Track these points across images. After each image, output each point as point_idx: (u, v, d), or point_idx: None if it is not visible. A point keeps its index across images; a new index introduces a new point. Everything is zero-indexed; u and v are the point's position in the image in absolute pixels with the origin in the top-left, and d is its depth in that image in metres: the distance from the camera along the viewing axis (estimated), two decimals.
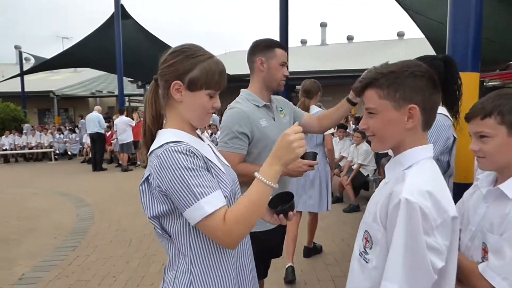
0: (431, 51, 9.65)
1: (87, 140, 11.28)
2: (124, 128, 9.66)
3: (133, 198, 6.51)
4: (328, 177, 3.70)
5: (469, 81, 1.97)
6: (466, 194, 1.31)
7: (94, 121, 9.81)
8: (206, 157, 1.11)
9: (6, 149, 12.94)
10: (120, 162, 10.18)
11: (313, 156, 1.87)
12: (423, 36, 8.63)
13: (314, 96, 3.67)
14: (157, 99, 1.18)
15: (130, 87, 17.31)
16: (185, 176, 1.00)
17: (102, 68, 16.20)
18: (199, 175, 1.02)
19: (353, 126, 8.81)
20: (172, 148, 1.03)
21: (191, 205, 1.00)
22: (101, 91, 21.34)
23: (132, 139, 9.88)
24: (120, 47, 10.81)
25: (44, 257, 3.92)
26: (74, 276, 3.41)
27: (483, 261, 1.09)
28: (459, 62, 2.01)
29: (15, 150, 13.07)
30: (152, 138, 1.16)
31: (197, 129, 1.24)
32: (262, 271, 1.98)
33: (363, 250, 1.03)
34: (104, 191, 7.26)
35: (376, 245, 0.97)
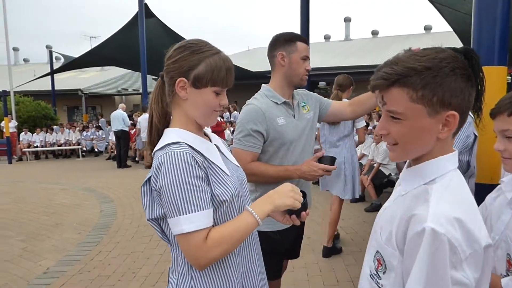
0: (459, 45, 9.25)
1: (112, 138, 11.56)
2: (147, 126, 9.82)
3: None
4: (355, 167, 3.76)
5: (496, 76, 1.86)
6: (489, 197, 1.19)
7: (118, 118, 10.04)
8: (209, 159, 1.09)
9: (37, 146, 13.47)
10: (143, 159, 10.38)
11: (331, 160, 1.78)
12: (450, 29, 8.30)
13: (346, 90, 3.88)
14: (163, 96, 1.16)
15: (154, 85, 17.61)
16: (176, 187, 0.98)
17: (127, 66, 16.57)
18: (191, 189, 1.00)
19: (376, 123, 8.60)
20: (172, 153, 1.01)
21: (172, 217, 1.01)
22: (127, 89, 21.85)
23: None
24: (144, 45, 11.00)
25: (68, 252, 4.05)
26: (95, 272, 3.49)
27: (507, 275, 0.98)
28: (484, 55, 1.90)
29: (46, 147, 13.58)
30: (159, 136, 1.14)
31: (203, 128, 1.21)
32: (274, 272, 1.93)
33: (375, 272, 0.89)
34: (128, 187, 7.42)
35: (391, 272, 0.84)
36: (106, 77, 21.39)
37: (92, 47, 13.77)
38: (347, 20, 22.94)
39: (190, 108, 1.12)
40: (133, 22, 11.27)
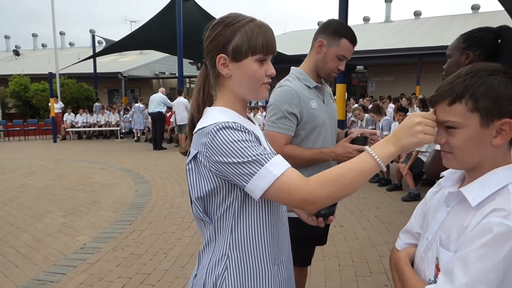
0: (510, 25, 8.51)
1: (149, 120, 11.85)
2: (182, 109, 9.97)
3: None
4: None
5: None
6: (430, 192, 1.05)
7: (157, 101, 10.26)
8: (258, 137, 1.02)
9: (79, 127, 14.10)
10: (179, 142, 10.57)
11: (364, 140, 1.71)
12: (501, 8, 7.60)
13: None
14: (207, 84, 1.10)
15: (190, 69, 17.83)
16: (242, 147, 0.92)
17: (164, 50, 16.80)
18: (256, 146, 0.94)
19: (417, 110, 8.15)
20: (223, 124, 0.95)
21: (254, 174, 0.91)
22: (164, 73, 22.28)
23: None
24: (180, 29, 11.05)
25: (104, 229, 4.19)
26: (128, 250, 3.59)
27: (435, 281, 0.86)
28: None
29: (87, 127, 14.20)
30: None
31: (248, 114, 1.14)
32: (304, 258, 1.90)
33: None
34: (162, 169, 7.58)
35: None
36: (144, 61, 21.88)
37: (132, 30, 14.07)
38: (388, 0, 21.83)
39: (236, 85, 1.05)
40: (171, 6, 11.32)
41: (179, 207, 4.98)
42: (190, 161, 1.00)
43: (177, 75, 20.67)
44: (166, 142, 11.42)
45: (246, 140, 0.93)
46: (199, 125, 1.03)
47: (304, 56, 1.88)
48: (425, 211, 1.03)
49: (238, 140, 0.92)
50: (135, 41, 13.70)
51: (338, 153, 1.71)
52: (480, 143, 0.84)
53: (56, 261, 3.39)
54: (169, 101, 10.69)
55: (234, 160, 0.91)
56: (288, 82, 1.76)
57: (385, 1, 21.89)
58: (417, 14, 21.21)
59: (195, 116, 1.09)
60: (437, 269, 0.86)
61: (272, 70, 1.04)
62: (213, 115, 1.02)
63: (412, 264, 0.99)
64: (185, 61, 13.07)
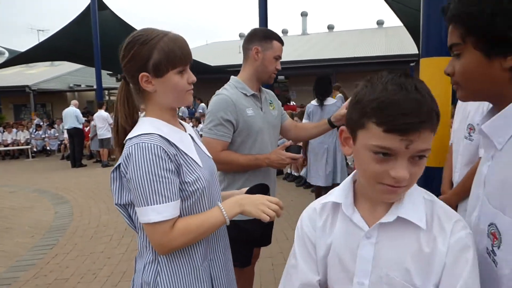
0: (409, 39, 9.77)
1: (66, 136, 10.98)
2: (103, 123, 9.46)
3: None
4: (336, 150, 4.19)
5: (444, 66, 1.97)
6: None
7: (71, 116, 9.56)
8: (182, 150, 1.09)
9: None
10: (99, 158, 9.97)
11: (297, 149, 1.87)
12: (401, 24, 8.69)
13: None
14: (130, 96, 1.15)
15: (109, 81, 16.92)
16: (145, 178, 1.00)
17: (79, 61, 15.77)
18: (159, 181, 1.01)
19: None
20: (142, 144, 1.01)
21: (140, 207, 1.03)
22: (79, 85, 20.82)
23: (110, 135, 9.69)
24: (97, 39, 10.53)
25: (21, 256, 3.81)
26: (52, 275, 3.32)
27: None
28: (434, 46, 2.02)
29: None
30: (125, 136, 1.11)
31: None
32: (244, 260, 1.96)
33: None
34: (84, 187, 7.10)
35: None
36: (56, 73, 20.19)
37: (40, 40, 12.96)
38: (304, 14, 23.35)
39: (162, 98, 1.11)
40: (86, 14, 10.74)
41: (106, 225, 4.73)
42: (115, 169, 1.07)
43: (94, 87, 19.54)
44: (85, 159, 10.68)
45: (153, 174, 1.00)
46: (129, 135, 1.09)
47: (228, 66, 1.99)
48: None
49: (147, 171, 1.00)
50: (47, 51, 12.66)
51: (272, 160, 1.82)
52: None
53: None
54: (81, 115, 9.95)
55: (134, 185, 1.01)
56: (225, 91, 1.84)
57: (301, 15, 23.35)
58: (330, 27, 22.98)
59: (127, 128, 1.13)
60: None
61: (192, 78, 1.13)
62: (142, 126, 1.09)
63: None
64: (103, 73, 12.42)
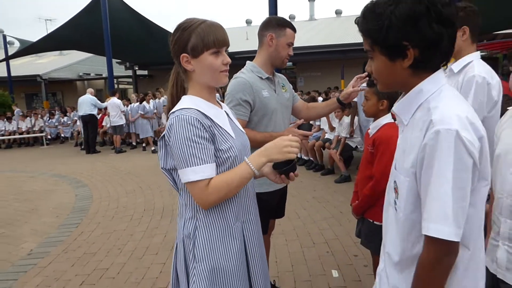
0: None
1: (79, 124, 11.22)
2: (116, 110, 9.68)
3: (129, 178, 6.65)
4: None
5: None
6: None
7: (87, 103, 9.78)
8: (217, 123, 1.27)
9: None
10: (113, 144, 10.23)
11: (309, 127, 2.08)
12: None
13: None
14: (179, 79, 1.36)
15: (118, 69, 17.10)
16: (185, 144, 1.19)
17: (89, 50, 15.95)
18: (195, 146, 1.20)
19: None
20: (182, 116, 1.20)
21: (181, 169, 1.22)
22: (89, 74, 21.04)
23: (124, 122, 9.91)
24: (107, 27, 10.65)
25: (50, 234, 4.07)
26: (80, 250, 3.57)
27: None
28: None
29: (6, 136, 12.97)
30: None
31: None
32: (263, 227, 2.16)
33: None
34: (100, 172, 7.36)
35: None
36: (66, 62, 20.43)
37: (48, 30, 13.16)
38: None
39: (199, 76, 1.30)
40: (94, 3, 10.84)
41: (126, 206, 4.98)
42: (161, 138, 1.28)
43: (103, 76, 19.71)
44: (99, 145, 10.94)
45: (191, 140, 1.18)
46: (173, 109, 1.28)
47: (236, 53, 2.14)
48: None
49: (186, 138, 1.18)
50: (57, 40, 12.84)
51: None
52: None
53: (3, 269, 3.26)
54: (99, 102, 10.26)
55: (176, 151, 1.20)
56: (242, 74, 2.02)
57: (309, 0, 23.13)
58: (338, 12, 22.76)
59: (171, 108, 1.33)
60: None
61: (227, 59, 1.29)
62: (183, 102, 1.28)
63: None
64: (113, 61, 12.57)
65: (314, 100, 7.23)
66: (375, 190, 2.02)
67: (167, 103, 1.40)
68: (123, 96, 18.30)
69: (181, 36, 1.25)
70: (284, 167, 1.33)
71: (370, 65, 1.03)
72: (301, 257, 3.22)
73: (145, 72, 19.22)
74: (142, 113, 9.87)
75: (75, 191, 5.94)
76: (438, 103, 0.91)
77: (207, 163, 1.21)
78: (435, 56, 0.93)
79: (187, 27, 1.25)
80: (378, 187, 2.00)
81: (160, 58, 15.57)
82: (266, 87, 2.06)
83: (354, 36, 17.32)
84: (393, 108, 1.04)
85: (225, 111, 1.39)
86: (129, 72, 18.47)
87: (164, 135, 1.26)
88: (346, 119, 6.09)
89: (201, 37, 1.23)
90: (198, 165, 1.19)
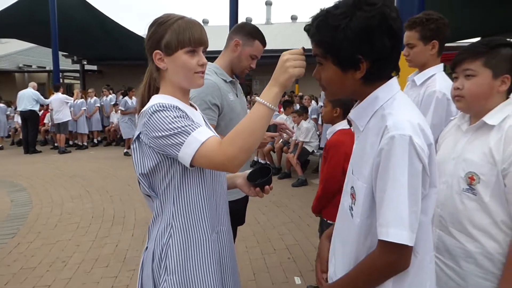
0: None
1: (18, 120, 10.28)
2: (60, 106, 8.99)
3: (75, 181, 6.17)
4: None
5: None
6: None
7: (28, 98, 8.95)
8: (193, 120, 1.13)
9: None
10: (56, 143, 9.50)
11: (274, 128, 1.98)
12: None
13: None
14: (153, 79, 1.24)
15: (64, 62, 15.98)
16: (173, 121, 1.05)
17: (32, 39, 14.73)
18: (185, 120, 1.08)
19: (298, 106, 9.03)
20: (159, 105, 1.09)
21: (183, 142, 1.04)
22: (30, 66, 19.46)
23: (70, 118, 9.24)
24: (55, 16, 9.88)
25: None
26: (17, 265, 3.18)
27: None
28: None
29: None
30: None
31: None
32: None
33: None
34: (41, 174, 6.75)
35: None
36: (4, 51, 18.73)
37: None
38: (268, 3, 23.35)
39: (172, 76, 1.18)
40: None
41: (71, 212, 4.58)
42: (135, 141, 1.14)
43: (47, 69, 18.32)
44: (39, 145, 10.10)
45: (176, 116, 1.06)
46: (142, 110, 1.15)
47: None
48: None
49: (169, 116, 1.06)
50: None
51: None
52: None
53: None
54: (42, 97, 9.46)
55: (167, 133, 1.05)
56: (208, 76, 1.88)
57: (266, 4, 23.33)
58: (294, 18, 23.19)
59: (141, 109, 1.19)
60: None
61: (203, 60, 1.17)
62: (154, 100, 1.15)
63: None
64: (60, 54, 11.70)
65: None
66: (325, 190, 2.27)
67: (136, 104, 1.26)
68: (68, 91, 17.19)
69: (156, 32, 1.16)
70: (260, 179, 1.23)
71: (319, 71, 1.01)
72: (263, 265, 3.14)
73: (94, 67, 18.19)
74: (123, 109, 8.87)
75: (10, 196, 5.36)
76: (392, 109, 0.94)
77: (200, 127, 1.08)
78: (385, 68, 0.97)
79: (163, 22, 1.15)
80: (328, 187, 2.25)
81: (112, 53, 14.98)
82: (231, 91, 1.97)
83: (309, 43, 17.78)
84: (349, 114, 1.05)
85: (201, 115, 1.28)
86: (77, 66, 17.34)
87: (138, 136, 1.13)
88: (305, 124, 6.16)
89: (176, 34, 1.13)
90: (193, 130, 1.05)
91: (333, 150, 2.22)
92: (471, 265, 1.24)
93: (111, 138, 10.63)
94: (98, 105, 10.39)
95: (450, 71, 1.44)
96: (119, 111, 9.05)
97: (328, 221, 2.27)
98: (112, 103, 10.54)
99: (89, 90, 10.65)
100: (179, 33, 1.13)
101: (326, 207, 2.30)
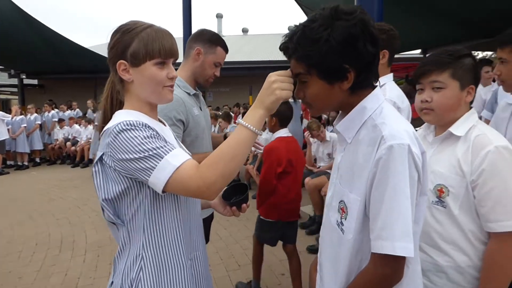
0: None
1: None
2: None
3: (15, 206, 5.61)
4: None
5: None
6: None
7: None
8: (162, 137, 1.03)
9: None
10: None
11: None
12: None
13: None
14: (115, 90, 1.12)
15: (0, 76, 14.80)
16: (143, 142, 0.94)
17: None
18: (157, 140, 0.96)
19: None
20: (125, 123, 0.96)
21: (155, 167, 0.93)
22: None
23: (7, 137, 8.49)
24: None
25: None
26: None
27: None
28: None
29: None
30: None
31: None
32: None
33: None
34: None
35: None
36: None
37: None
38: (219, 16, 23.50)
39: (138, 89, 1.07)
40: None
41: (11, 241, 4.13)
42: (97, 163, 1.00)
43: None
44: None
45: (146, 136, 0.95)
46: (104, 128, 1.02)
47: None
48: None
49: (139, 136, 0.94)
50: None
51: None
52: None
53: None
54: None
55: (136, 156, 0.93)
56: None
57: (217, 17, 23.44)
58: (245, 31, 23.52)
59: (104, 126, 1.07)
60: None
61: (173, 73, 1.07)
62: (119, 117, 1.02)
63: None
64: None
65: (229, 116, 7.17)
66: (261, 191, 2.59)
67: (98, 120, 1.12)
68: (4, 108, 15.89)
69: (120, 39, 1.04)
70: (235, 197, 1.14)
71: (302, 90, 0.97)
72: (228, 283, 3.01)
73: (35, 82, 17.02)
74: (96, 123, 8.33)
75: None
76: (384, 119, 0.92)
77: (175, 149, 0.97)
78: (370, 75, 0.96)
79: (129, 30, 1.04)
80: (262, 188, 2.57)
81: (54, 67, 14.09)
82: (195, 104, 1.86)
83: (262, 54, 18.18)
84: (336, 126, 1.02)
85: (171, 131, 1.18)
86: (14, 81, 16.11)
87: (101, 157, 0.99)
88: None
89: (145, 43, 1.02)
90: (171, 149, 0.95)
91: (265, 155, 2.52)
92: (443, 279, 1.23)
93: (56, 156, 9.93)
94: (39, 122, 9.71)
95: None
96: (94, 126, 8.53)
97: (261, 217, 2.72)
98: (55, 119, 9.93)
99: (29, 106, 9.93)
100: (148, 43, 1.02)
101: (263, 204, 2.64)
